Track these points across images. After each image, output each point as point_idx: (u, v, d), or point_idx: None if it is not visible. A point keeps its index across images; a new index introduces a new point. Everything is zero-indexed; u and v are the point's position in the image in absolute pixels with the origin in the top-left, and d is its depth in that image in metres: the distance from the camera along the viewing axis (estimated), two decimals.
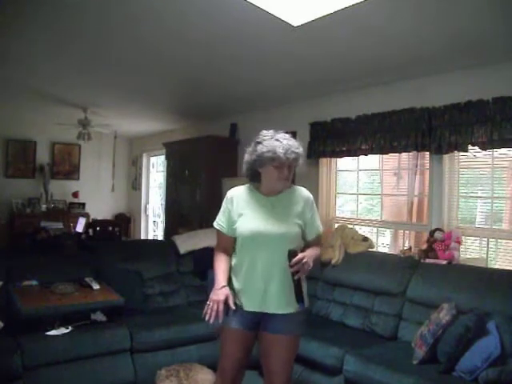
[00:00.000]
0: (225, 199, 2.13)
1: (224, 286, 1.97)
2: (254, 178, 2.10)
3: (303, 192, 2.12)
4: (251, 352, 2.13)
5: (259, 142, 2.00)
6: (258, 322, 2.04)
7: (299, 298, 1.92)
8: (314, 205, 2.13)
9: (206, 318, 1.90)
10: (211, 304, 1.91)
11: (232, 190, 2.14)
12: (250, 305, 2.01)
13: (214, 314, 1.89)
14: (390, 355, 2.67)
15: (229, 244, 2.09)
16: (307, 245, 2.08)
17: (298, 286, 1.91)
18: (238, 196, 2.09)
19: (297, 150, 1.98)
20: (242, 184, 2.17)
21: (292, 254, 1.88)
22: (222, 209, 2.13)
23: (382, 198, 4.23)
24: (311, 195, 2.14)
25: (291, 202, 2.07)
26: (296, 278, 1.88)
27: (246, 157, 2.08)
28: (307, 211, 2.08)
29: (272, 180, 2.02)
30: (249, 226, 2.01)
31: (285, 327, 2.01)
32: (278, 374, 2.04)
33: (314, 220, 2.11)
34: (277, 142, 1.96)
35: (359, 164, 4.26)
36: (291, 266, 1.87)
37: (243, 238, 2.03)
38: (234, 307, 1.94)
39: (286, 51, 3.17)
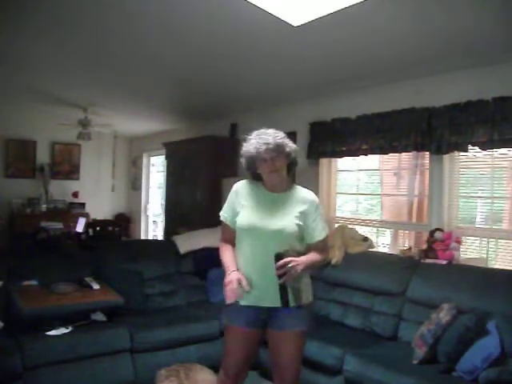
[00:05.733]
0: (231, 191, 2.17)
1: (234, 270, 2.00)
2: (256, 178, 2.12)
3: (309, 194, 2.12)
4: (256, 350, 2.14)
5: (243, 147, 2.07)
6: (265, 320, 2.04)
7: (283, 301, 1.92)
8: (320, 209, 2.11)
9: (227, 301, 1.96)
10: (226, 286, 1.95)
11: (238, 182, 2.19)
12: (247, 299, 2.01)
13: (230, 292, 1.93)
14: (389, 355, 2.67)
15: (233, 236, 2.12)
16: (308, 249, 2.07)
17: (282, 289, 1.90)
18: (242, 188, 2.14)
19: (271, 141, 1.94)
20: None
21: (278, 257, 1.87)
22: (227, 201, 2.17)
23: (381, 198, 4.23)
24: (317, 199, 2.13)
25: (294, 202, 2.07)
26: (281, 281, 1.87)
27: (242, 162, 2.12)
28: (310, 214, 2.06)
29: (265, 175, 2.04)
30: (245, 218, 2.04)
31: (288, 323, 2.01)
32: (286, 368, 2.07)
33: (317, 224, 2.07)
34: (253, 140, 1.99)
35: (359, 164, 4.26)
36: (277, 270, 1.87)
37: (239, 230, 2.06)
38: (247, 288, 1.94)
39: (286, 51, 3.17)
